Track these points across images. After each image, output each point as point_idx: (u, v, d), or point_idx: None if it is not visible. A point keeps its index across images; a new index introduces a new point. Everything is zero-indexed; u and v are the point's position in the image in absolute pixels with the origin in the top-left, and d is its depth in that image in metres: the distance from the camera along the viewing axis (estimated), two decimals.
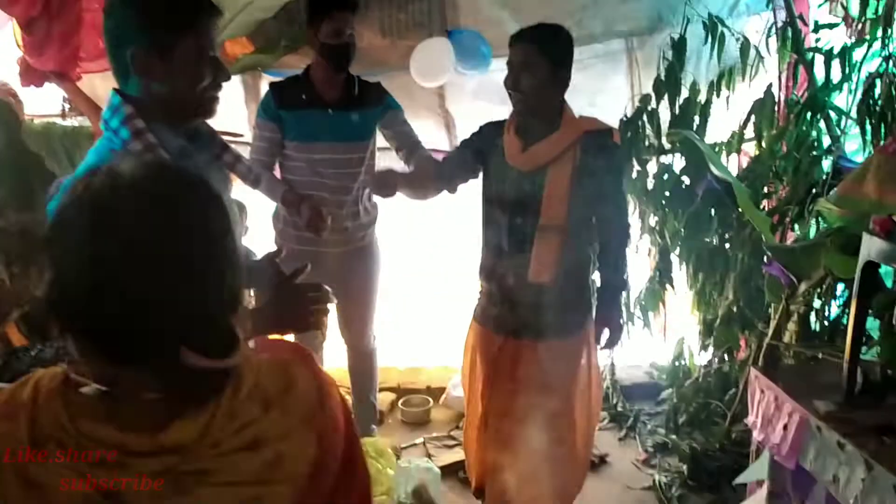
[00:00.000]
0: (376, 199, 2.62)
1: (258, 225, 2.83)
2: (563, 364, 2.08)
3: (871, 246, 1.49)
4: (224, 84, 1.29)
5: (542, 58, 1.88)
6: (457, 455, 2.77)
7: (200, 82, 1.22)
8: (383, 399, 3.36)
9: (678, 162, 2.91)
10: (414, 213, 3.32)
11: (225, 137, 3.34)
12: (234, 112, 3.35)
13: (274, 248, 2.60)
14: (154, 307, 0.64)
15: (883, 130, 2.17)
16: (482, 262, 2.17)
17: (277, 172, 2.60)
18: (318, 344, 2.86)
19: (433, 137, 3.35)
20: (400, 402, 3.38)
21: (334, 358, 2.98)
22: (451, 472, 2.77)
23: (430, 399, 3.38)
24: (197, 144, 1.32)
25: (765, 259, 2.47)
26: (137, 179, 0.67)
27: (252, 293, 1.96)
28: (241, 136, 3.15)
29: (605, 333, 2.12)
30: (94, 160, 1.22)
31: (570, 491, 2.25)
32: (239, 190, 2.84)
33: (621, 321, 2.08)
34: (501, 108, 2.15)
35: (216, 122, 3.50)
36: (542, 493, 2.10)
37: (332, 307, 1.35)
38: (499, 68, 2.28)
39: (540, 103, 1.95)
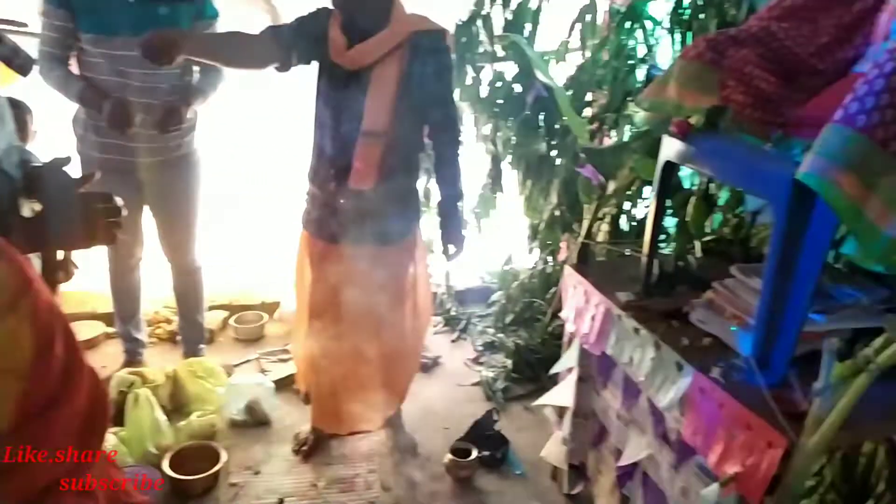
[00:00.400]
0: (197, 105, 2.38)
1: (57, 132, 2.47)
2: (385, 270, 2.07)
3: (669, 147, 1.59)
4: None
5: None
6: (291, 368, 2.74)
7: None
8: (215, 318, 3.21)
9: (511, 69, 2.94)
10: (242, 117, 3.09)
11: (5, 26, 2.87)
12: None
13: (76, 156, 2.31)
14: None
15: (690, 39, 2.31)
16: (310, 166, 2.07)
17: (76, 69, 2.27)
18: (136, 262, 2.64)
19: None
20: (233, 318, 3.25)
21: (160, 279, 2.77)
22: (286, 385, 2.75)
23: (265, 314, 3.29)
24: None
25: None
26: None
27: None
28: (26, 25, 2.69)
29: (450, 247, 2.11)
30: None
31: (397, 390, 2.31)
32: (24, 88, 2.47)
33: (463, 232, 2.08)
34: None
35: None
36: (366, 394, 2.14)
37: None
38: None
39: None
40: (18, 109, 2.34)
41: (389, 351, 2.14)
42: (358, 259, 2.00)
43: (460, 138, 2.05)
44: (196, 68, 2.39)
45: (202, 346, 2.88)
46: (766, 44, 1.42)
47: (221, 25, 2.39)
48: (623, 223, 2.59)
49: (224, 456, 2.20)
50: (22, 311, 0.69)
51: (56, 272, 2.80)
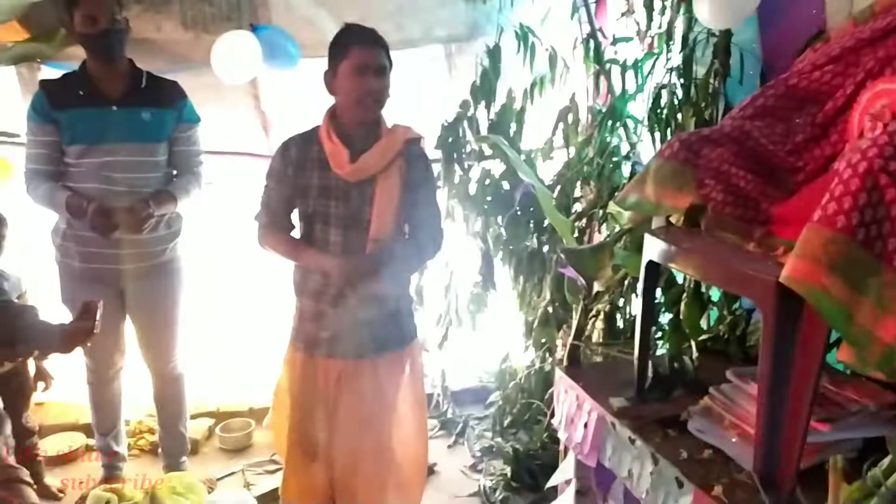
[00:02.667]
0: (178, 209, 2.38)
1: (40, 242, 2.47)
2: (393, 379, 2.03)
3: (652, 247, 1.55)
4: None
5: (388, 61, 1.87)
6: (278, 481, 2.59)
7: None
8: (199, 427, 3.09)
9: (500, 167, 2.96)
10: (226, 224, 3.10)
11: None
12: (9, 108, 2.93)
13: (53, 265, 2.29)
14: None
15: (669, 136, 2.32)
16: (299, 280, 2.03)
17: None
18: (116, 372, 2.57)
19: (249, 140, 3.15)
20: (218, 427, 3.12)
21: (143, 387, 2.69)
22: (273, 499, 2.59)
23: (252, 421, 3.16)
24: None
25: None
26: None
27: None
28: (18, 136, 2.76)
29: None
30: None
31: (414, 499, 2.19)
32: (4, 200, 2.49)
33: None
34: (316, 109, 2.03)
35: None
36: None
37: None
38: (314, 67, 2.16)
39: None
40: None
41: (394, 461, 2.05)
42: (357, 371, 1.97)
43: (439, 244, 2.07)
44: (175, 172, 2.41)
45: (184, 458, 2.74)
46: (741, 143, 1.41)
47: (207, 128, 2.43)
48: (619, 320, 2.52)
49: None
50: None
51: (31, 385, 2.71)
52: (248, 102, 3.08)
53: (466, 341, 3.17)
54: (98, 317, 1.22)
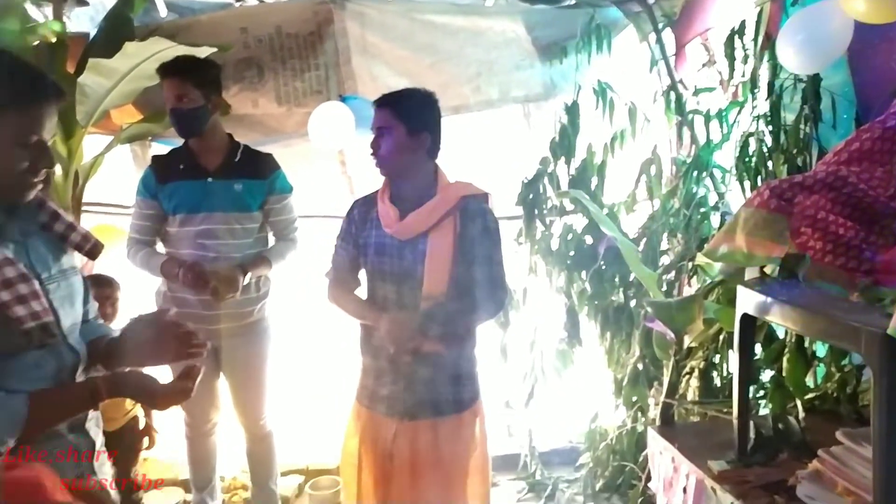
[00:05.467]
0: (270, 273, 2.50)
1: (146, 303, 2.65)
2: (452, 443, 1.97)
3: (746, 299, 1.48)
4: (53, 166, 1.21)
5: (398, 121, 1.84)
6: None
7: (10, 167, 1.12)
8: (290, 484, 3.13)
9: (582, 222, 2.95)
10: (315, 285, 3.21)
11: (109, 209, 3.20)
12: (123, 182, 3.21)
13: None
14: None
15: (759, 185, 2.24)
16: (362, 336, 2.05)
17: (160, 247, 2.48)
18: (212, 427, 2.67)
19: (337, 202, 3.29)
20: (308, 485, 3.16)
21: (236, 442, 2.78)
22: None
23: (341, 479, 3.17)
24: (14, 213, 1.20)
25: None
26: None
27: None
28: (128, 207, 3.01)
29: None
30: None
31: None
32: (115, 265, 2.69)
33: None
34: None
35: (105, 193, 3.35)
36: None
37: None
38: None
39: (400, 167, 1.90)
40: (106, 286, 2.53)
41: None
42: (417, 433, 1.93)
43: (502, 303, 2.02)
44: (272, 239, 2.53)
45: None
46: (837, 188, 1.34)
47: (298, 193, 2.54)
48: (716, 378, 2.39)
49: None
50: None
51: (140, 439, 2.84)
52: (336, 168, 3.24)
53: (553, 400, 3.09)
54: (197, 381, 1.28)
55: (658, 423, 1.81)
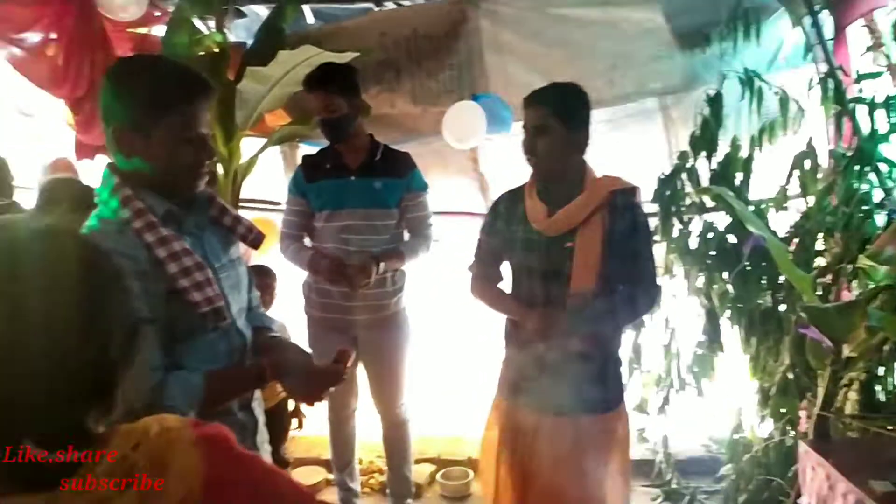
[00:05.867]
0: (405, 266, 2.60)
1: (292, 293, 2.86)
2: (594, 443, 1.94)
3: None
4: (213, 159, 1.33)
5: (556, 119, 1.81)
6: None
7: (178, 161, 1.24)
8: (421, 471, 3.24)
9: (724, 219, 2.79)
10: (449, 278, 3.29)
11: (263, 206, 3.47)
12: (274, 181, 3.47)
13: (303, 316, 2.62)
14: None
15: None
16: (507, 329, 2.07)
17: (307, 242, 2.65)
18: (351, 413, 2.83)
19: (469, 200, 3.35)
20: (439, 474, 3.25)
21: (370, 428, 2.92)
22: None
23: (471, 471, 3.24)
24: (190, 208, 1.33)
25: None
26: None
27: None
28: (279, 203, 3.24)
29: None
30: (87, 232, 1.24)
31: None
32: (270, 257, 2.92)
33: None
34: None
35: (257, 191, 3.64)
36: None
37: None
38: None
39: (558, 166, 1.89)
40: (265, 276, 2.76)
41: None
42: (560, 430, 1.91)
43: (655, 299, 1.97)
44: (406, 234, 2.63)
45: (409, 501, 2.90)
46: None
47: (432, 190, 2.62)
48: (880, 392, 2.18)
49: None
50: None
51: (289, 420, 3.08)
52: (468, 166, 3.30)
53: (691, 406, 2.95)
54: (349, 364, 1.37)
55: (811, 436, 1.68)
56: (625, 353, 2.15)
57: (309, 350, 1.49)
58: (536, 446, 1.96)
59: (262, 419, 1.45)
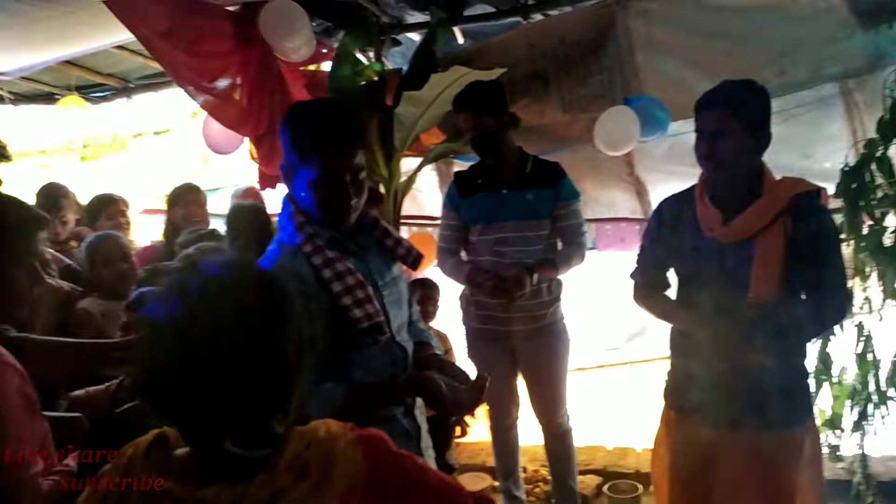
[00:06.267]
0: (560, 276, 2.60)
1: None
2: (778, 462, 1.79)
3: None
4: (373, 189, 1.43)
5: (736, 121, 1.69)
6: None
7: (320, 202, 1.36)
8: (588, 482, 3.18)
9: None
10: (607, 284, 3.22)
11: (422, 221, 3.65)
12: (431, 196, 3.62)
13: (461, 327, 2.70)
14: (203, 411, 0.78)
15: None
16: (673, 337, 1.98)
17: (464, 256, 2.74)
18: (512, 422, 2.87)
19: (625, 205, 3.27)
20: (606, 486, 3.17)
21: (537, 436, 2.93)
22: None
23: (640, 485, 3.12)
24: (353, 233, 1.45)
25: None
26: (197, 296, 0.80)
27: None
28: (437, 218, 3.38)
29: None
30: (269, 254, 1.41)
31: None
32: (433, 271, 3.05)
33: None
34: (694, 171, 2.00)
35: (416, 206, 3.83)
36: None
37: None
38: (689, 130, 2.15)
39: (739, 170, 1.75)
40: (429, 288, 2.90)
41: None
42: (738, 446, 1.79)
43: (846, 309, 1.77)
44: (560, 245, 2.62)
45: None
46: None
47: (585, 197, 2.58)
48: None
49: None
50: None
51: (453, 427, 3.19)
52: (622, 170, 3.22)
53: (893, 421, 2.63)
54: (485, 390, 1.38)
55: None
56: (811, 362, 1.95)
57: (468, 362, 1.54)
58: (713, 464, 1.85)
59: (424, 426, 1.53)
